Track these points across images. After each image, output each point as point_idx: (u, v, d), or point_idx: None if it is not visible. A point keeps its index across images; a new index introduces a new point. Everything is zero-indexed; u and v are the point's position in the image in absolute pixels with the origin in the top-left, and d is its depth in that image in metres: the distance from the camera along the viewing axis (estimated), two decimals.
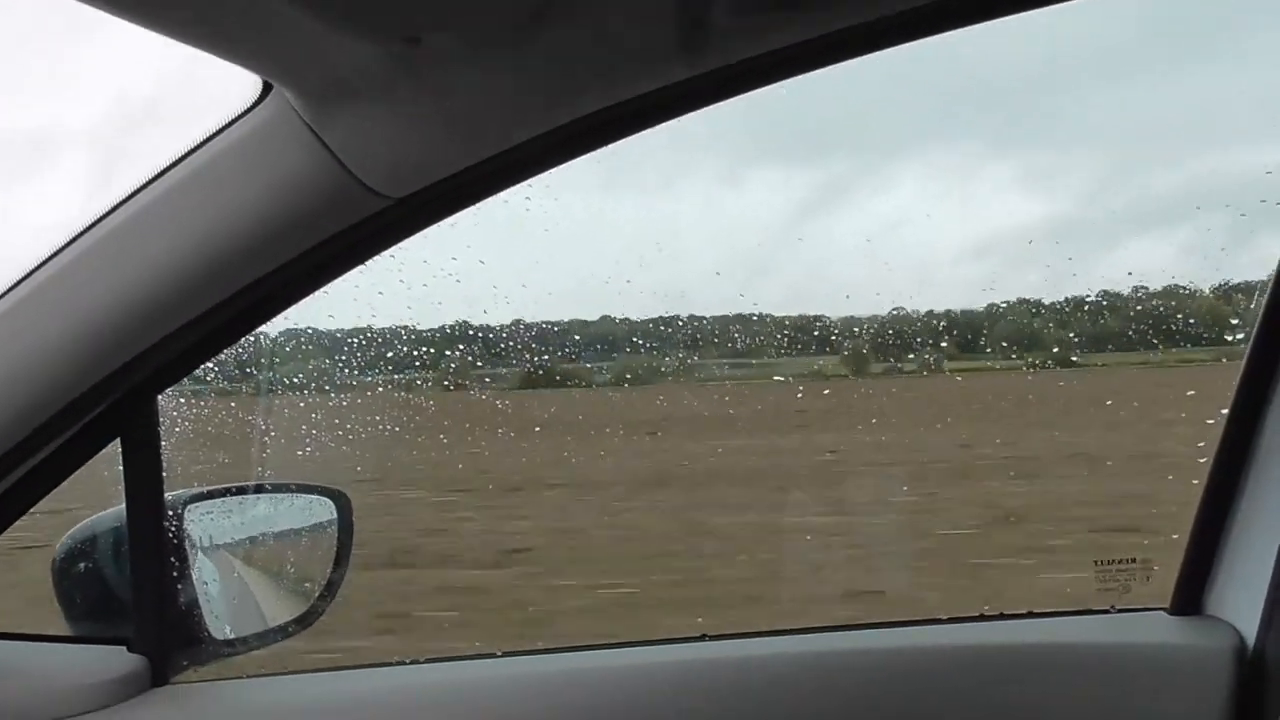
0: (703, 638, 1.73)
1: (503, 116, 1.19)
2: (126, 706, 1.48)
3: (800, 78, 1.20)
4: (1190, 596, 1.75)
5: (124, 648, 1.51)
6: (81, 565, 1.57)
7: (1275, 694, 1.59)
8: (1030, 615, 1.79)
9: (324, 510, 1.75)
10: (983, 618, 1.78)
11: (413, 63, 1.08)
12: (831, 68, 1.20)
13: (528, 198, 1.49)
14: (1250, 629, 1.65)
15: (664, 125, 1.24)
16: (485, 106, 1.17)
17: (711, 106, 1.22)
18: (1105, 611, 1.79)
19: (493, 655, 1.70)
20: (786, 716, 1.61)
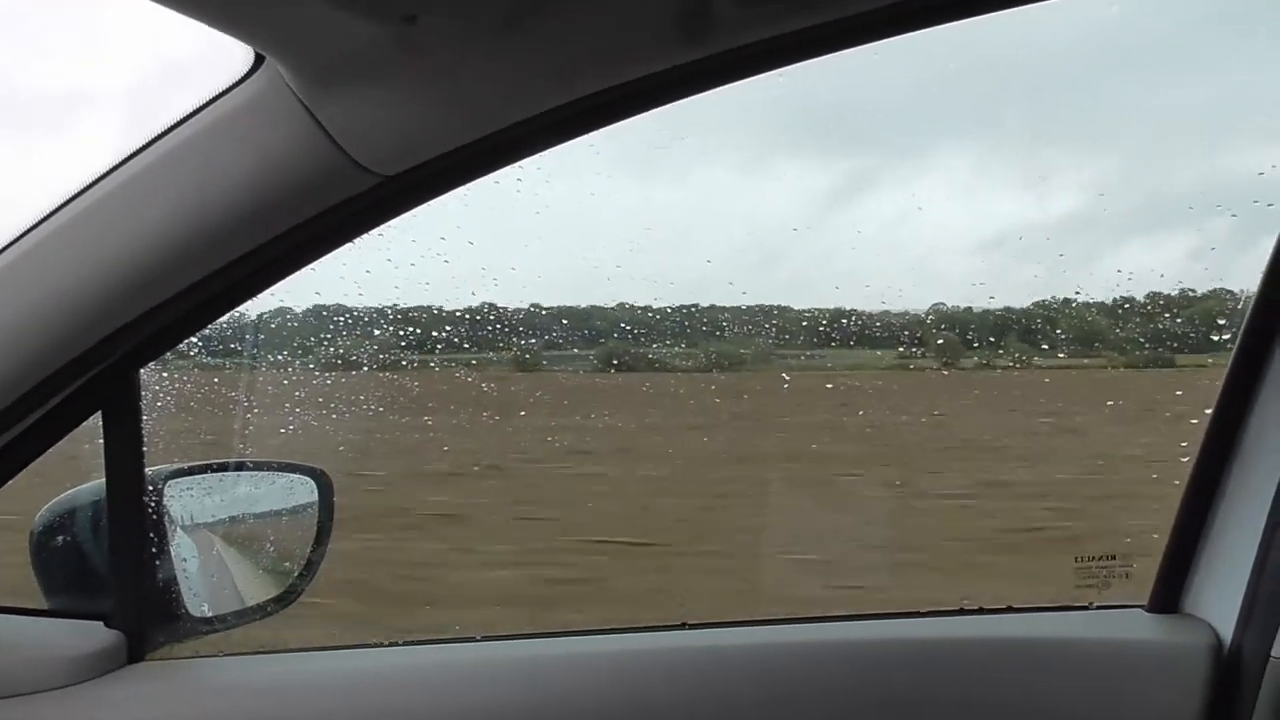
0: (683, 625, 1.73)
1: (497, 97, 1.18)
2: (102, 681, 1.47)
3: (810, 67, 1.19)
4: (1169, 594, 1.76)
5: (101, 623, 1.50)
6: (60, 539, 1.56)
7: (1250, 692, 1.61)
8: (1010, 610, 1.79)
9: (305, 489, 1.74)
10: (962, 611, 1.79)
11: (408, 40, 1.06)
12: (840, 59, 1.19)
13: (519, 179, 1.49)
14: (1227, 628, 1.67)
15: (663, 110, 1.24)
16: (480, 86, 1.16)
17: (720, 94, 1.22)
18: (1084, 608, 1.80)
19: (472, 639, 1.70)
20: (763, 706, 1.61)
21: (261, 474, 1.86)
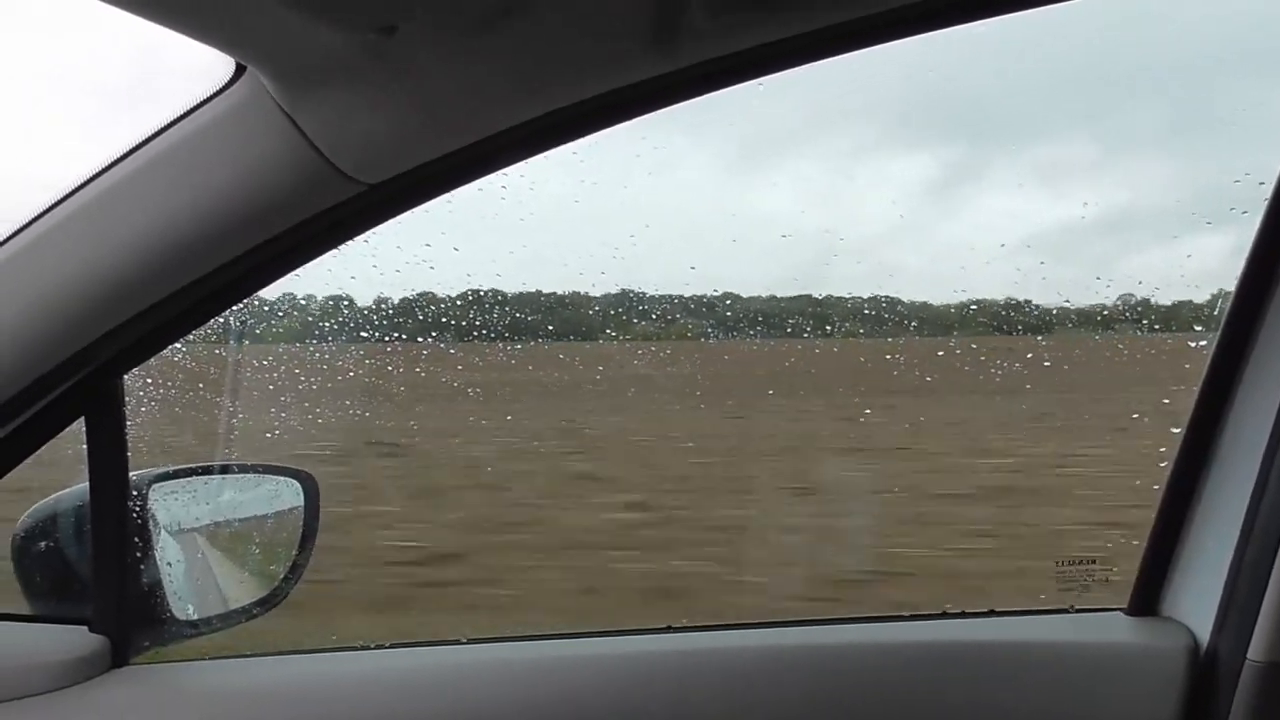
0: (668, 629, 1.74)
1: (477, 107, 1.18)
2: (86, 687, 1.47)
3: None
4: (1147, 597, 1.78)
5: (85, 628, 1.50)
6: (43, 544, 1.56)
7: (1226, 694, 1.62)
8: (991, 614, 1.81)
9: (291, 492, 1.75)
10: (945, 615, 1.80)
11: (389, 50, 1.07)
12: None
13: (504, 185, 1.49)
14: (1204, 630, 1.68)
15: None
16: (460, 96, 1.16)
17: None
18: (1064, 611, 1.81)
19: (458, 642, 1.71)
20: (746, 710, 1.62)
21: (247, 477, 1.86)
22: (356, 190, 1.25)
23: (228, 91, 1.18)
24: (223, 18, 1.03)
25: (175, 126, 1.20)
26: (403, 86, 1.13)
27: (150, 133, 1.21)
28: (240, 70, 1.15)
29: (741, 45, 1.16)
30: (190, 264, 1.26)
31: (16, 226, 1.24)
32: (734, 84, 1.21)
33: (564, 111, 1.20)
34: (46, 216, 1.24)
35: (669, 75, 1.18)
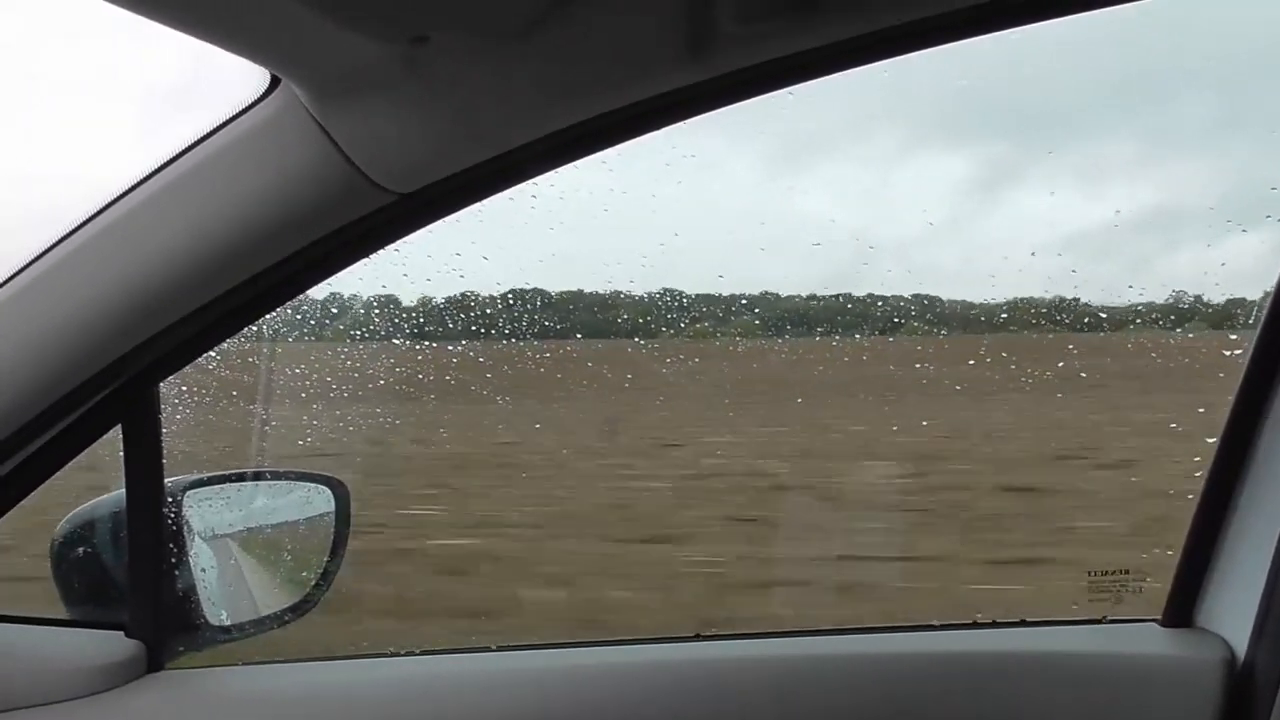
0: (695, 637, 1.73)
1: (508, 117, 1.19)
2: (122, 691, 1.49)
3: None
4: (1182, 609, 1.76)
5: (121, 633, 1.52)
6: (80, 549, 1.58)
7: (1264, 707, 1.60)
8: (1023, 624, 1.79)
9: (322, 498, 1.76)
10: (976, 625, 1.78)
11: (420, 61, 1.08)
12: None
13: (534, 195, 1.50)
14: (1240, 642, 1.66)
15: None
16: (491, 106, 1.17)
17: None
18: (1098, 621, 1.79)
19: (487, 649, 1.71)
20: (775, 718, 1.61)
21: (279, 484, 1.88)
22: (388, 200, 1.26)
23: (262, 103, 1.19)
24: (256, 30, 1.04)
25: (210, 138, 1.22)
26: (435, 97, 1.14)
27: (186, 144, 1.23)
28: (275, 82, 1.17)
29: (772, 54, 1.16)
30: (225, 273, 1.28)
31: (56, 237, 1.26)
32: (764, 93, 1.21)
33: (595, 121, 1.20)
34: (85, 227, 1.25)
35: (700, 84, 1.18)
